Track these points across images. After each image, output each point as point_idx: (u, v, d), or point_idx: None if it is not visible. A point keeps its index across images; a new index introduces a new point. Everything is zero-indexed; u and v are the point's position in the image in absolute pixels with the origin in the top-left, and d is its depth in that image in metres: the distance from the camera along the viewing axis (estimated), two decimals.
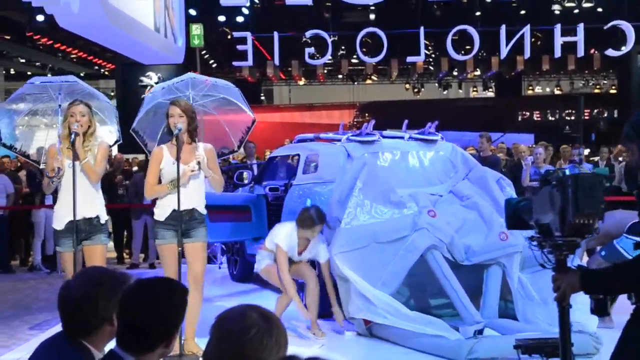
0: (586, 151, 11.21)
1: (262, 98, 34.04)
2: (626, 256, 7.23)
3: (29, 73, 25.32)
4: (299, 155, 8.87)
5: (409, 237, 6.61)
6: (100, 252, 6.07)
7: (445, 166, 7.96)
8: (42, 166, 6.59)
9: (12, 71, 26.38)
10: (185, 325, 5.81)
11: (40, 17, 17.31)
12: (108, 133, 6.61)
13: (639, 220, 7.27)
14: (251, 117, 6.94)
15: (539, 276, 6.62)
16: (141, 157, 13.32)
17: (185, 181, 5.89)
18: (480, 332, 6.13)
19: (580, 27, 15.31)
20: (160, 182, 6.06)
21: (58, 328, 2.83)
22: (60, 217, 6.04)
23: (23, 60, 24.30)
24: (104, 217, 6.18)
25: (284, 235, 6.88)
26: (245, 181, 9.75)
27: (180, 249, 5.92)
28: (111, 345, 2.65)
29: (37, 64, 24.49)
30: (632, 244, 7.22)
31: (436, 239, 6.58)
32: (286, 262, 6.81)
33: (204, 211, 6.10)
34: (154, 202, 6.21)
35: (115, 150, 12.65)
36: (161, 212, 6.03)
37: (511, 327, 6.43)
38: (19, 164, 13.52)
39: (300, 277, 7.07)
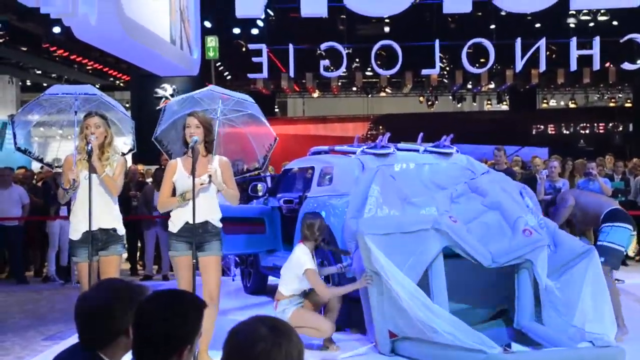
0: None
1: (276, 110, 34.12)
2: (621, 249, 7.31)
3: (44, 84, 25.50)
4: (313, 167, 8.87)
5: (430, 232, 6.48)
6: (115, 262, 6.09)
7: (463, 172, 7.93)
8: (54, 170, 6.61)
9: (28, 82, 26.53)
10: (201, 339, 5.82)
11: (56, 29, 17.44)
12: (122, 144, 6.64)
13: (615, 207, 7.53)
14: (273, 135, 6.97)
15: (563, 282, 6.60)
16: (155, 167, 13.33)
17: (196, 194, 5.88)
18: (508, 345, 6.04)
19: (596, 41, 15.25)
20: (174, 194, 6.06)
21: (72, 339, 2.83)
22: (77, 228, 6.05)
23: (39, 72, 24.44)
24: (122, 230, 6.19)
25: (304, 258, 6.80)
26: (260, 193, 9.76)
27: (194, 261, 5.91)
28: (127, 357, 2.65)
29: (53, 75, 24.63)
30: (629, 234, 7.33)
31: (455, 242, 6.49)
32: (319, 277, 6.80)
33: (218, 224, 6.07)
34: (168, 214, 6.21)
35: (129, 162, 12.69)
36: (174, 224, 6.03)
37: (538, 333, 6.38)
38: (34, 176, 13.59)
39: (324, 301, 6.99)
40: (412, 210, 6.95)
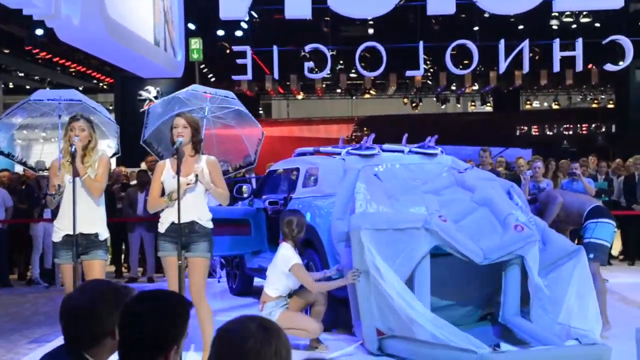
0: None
1: (261, 112, 34.08)
2: (607, 245, 7.46)
3: (27, 87, 25.38)
4: (298, 168, 8.87)
5: (420, 231, 6.47)
6: (98, 266, 6.03)
7: (448, 172, 7.96)
8: (38, 173, 6.58)
9: (10, 85, 26.39)
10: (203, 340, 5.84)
11: (39, 31, 17.34)
12: (106, 147, 6.61)
13: (597, 204, 7.68)
14: (260, 130, 6.99)
15: (550, 280, 6.64)
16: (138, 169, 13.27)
17: (182, 194, 5.87)
18: (497, 345, 6.05)
19: (579, 42, 15.32)
20: (164, 195, 6.05)
21: (57, 342, 2.81)
22: (59, 231, 6.03)
23: (22, 74, 24.33)
24: (104, 235, 6.10)
25: (288, 254, 6.82)
26: (245, 195, 9.75)
27: (180, 262, 5.90)
28: (112, 358, 2.64)
29: (36, 77, 24.54)
30: (613, 230, 7.48)
31: (445, 241, 6.50)
32: (306, 272, 6.82)
33: (207, 224, 6.04)
34: (154, 215, 6.20)
35: (113, 164, 12.63)
36: (162, 224, 6.04)
37: (523, 328, 6.41)
38: (20, 179, 13.49)
39: (309, 301, 7.00)
40: (400, 208, 6.94)
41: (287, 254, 6.77)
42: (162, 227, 6.05)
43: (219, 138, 6.86)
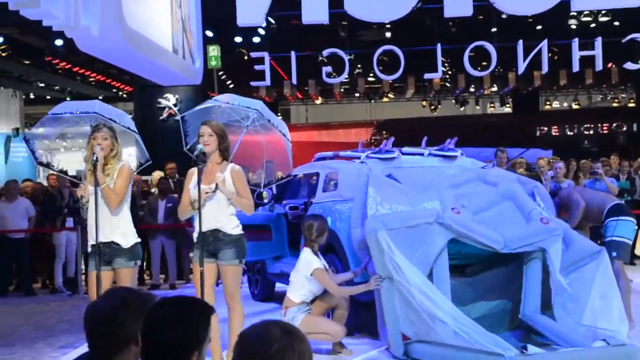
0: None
1: (280, 118, 34.14)
2: (629, 243, 7.42)
3: (48, 97, 25.59)
4: (318, 173, 8.88)
5: (434, 226, 6.44)
6: (125, 274, 6.00)
7: (468, 172, 7.90)
8: (81, 183, 6.63)
9: (31, 95, 26.61)
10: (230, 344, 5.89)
11: (59, 42, 17.49)
12: (128, 156, 6.65)
13: (618, 202, 7.66)
14: (289, 143, 7.11)
15: (572, 280, 6.57)
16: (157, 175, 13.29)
17: (202, 202, 5.91)
18: (524, 348, 6.00)
19: (598, 41, 15.20)
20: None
21: (81, 350, 2.84)
22: (89, 240, 6.08)
23: (42, 85, 24.53)
24: (128, 242, 6.03)
25: (310, 259, 6.81)
26: (265, 200, 9.76)
27: (201, 268, 5.93)
28: None
29: (56, 88, 24.71)
30: (633, 228, 7.45)
31: (460, 233, 6.44)
32: (329, 277, 6.75)
33: (232, 232, 6.09)
34: (179, 222, 6.32)
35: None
36: (195, 232, 6.15)
37: (548, 327, 6.35)
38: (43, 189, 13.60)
39: (332, 305, 7.00)
40: (415, 204, 6.89)
41: (308, 259, 6.77)
42: (194, 236, 6.16)
43: (268, 147, 6.96)
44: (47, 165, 6.68)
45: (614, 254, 7.18)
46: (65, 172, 6.92)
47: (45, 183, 14.51)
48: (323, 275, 6.70)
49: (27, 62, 21.00)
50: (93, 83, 23.95)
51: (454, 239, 6.56)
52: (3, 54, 19.06)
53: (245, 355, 2.15)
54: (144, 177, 13.60)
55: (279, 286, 10.11)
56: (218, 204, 6.03)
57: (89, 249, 6.07)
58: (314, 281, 6.75)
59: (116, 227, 6.01)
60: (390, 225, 6.46)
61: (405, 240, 6.41)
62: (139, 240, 6.11)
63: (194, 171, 6.11)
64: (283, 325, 2.23)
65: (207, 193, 5.96)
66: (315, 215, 7.36)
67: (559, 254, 6.55)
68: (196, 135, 6.44)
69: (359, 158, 8.21)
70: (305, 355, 2.16)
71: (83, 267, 10.83)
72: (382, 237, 6.33)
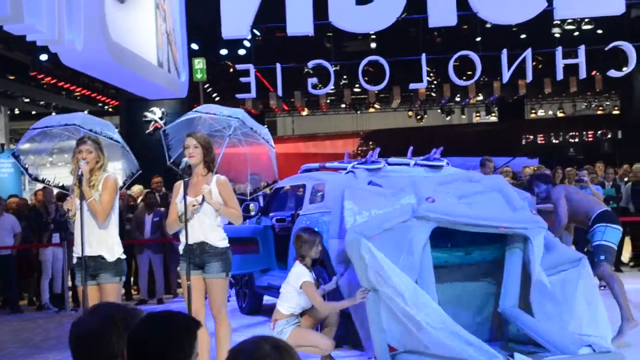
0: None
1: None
2: (615, 247, 7.54)
3: (33, 112, 25.48)
4: (305, 185, 8.87)
5: (412, 221, 6.32)
6: (109, 289, 5.98)
7: (455, 175, 7.83)
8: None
9: (16, 111, 26.51)
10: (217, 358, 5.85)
11: (43, 57, 17.44)
12: (116, 170, 6.58)
13: (606, 209, 7.76)
14: (273, 149, 6.97)
15: (554, 282, 6.56)
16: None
17: (189, 215, 5.89)
18: (511, 356, 5.93)
19: (582, 49, 15.32)
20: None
21: None
22: (74, 254, 6.06)
23: (27, 100, 24.42)
24: (113, 256, 5.98)
25: (300, 272, 6.65)
26: (252, 213, 9.75)
27: (189, 282, 5.90)
28: None
29: (42, 103, 24.61)
30: (619, 235, 7.57)
31: (441, 220, 6.33)
32: (317, 292, 6.57)
33: (219, 244, 6.05)
34: (171, 236, 6.27)
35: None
36: (180, 245, 6.12)
37: (533, 327, 6.32)
38: (28, 205, 13.53)
39: (321, 318, 6.86)
40: (390, 203, 6.77)
41: (298, 271, 6.74)
42: (180, 248, 6.13)
43: (251, 156, 6.89)
44: (43, 181, 6.61)
45: (602, 257, 7.32)
46: (63, 187, 6.83)
47: (30, 199, 14.43)
48: (311, 290, 6.66)
49: (11, 77, 20.91)
50: (78, 97, 23.86)
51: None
52: None
53: None
54: (129, 192, 13.55)
55: (266, 299, 10.08)
56: (205, 216, 6.01)
57: (74, 262, 6.04)
58: (304, 294, 6.72)
59: (102, 241, 5.95)
60: (369, 233, 6.33)
61: (387, 244, 6.28)
62: (124, 256, 6.05)
63: (180, 184, 6.09)
64: (273, 340, 2.22)
65: (194, 206, 5.93)
66: (307, 228, 7.30)
67: (542, 248, 6.50)
68: (180, 147, 6.42)
69: (345, 169, 8.20)
70: None
71: (70, 282, 10.75)
72: (364, 247, 6.24)
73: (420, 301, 6.06)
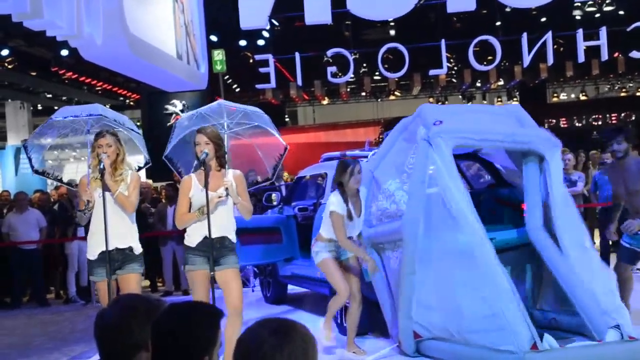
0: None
1: (287, 120, 34.15)
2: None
3: (55, 107, 25.65)
4: (326, 173, 8.86)
5: (424, 143, 6.34)
6: (134, 280, 6.07)
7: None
8: (75, 188, 6.66)
9: (39, 106, 26.71)
10: (226, 351, 5.81)
11: (64, 52, 17.56)
12: (135, 162, 6.65)
13: None
14: (283, 145, 6.97)
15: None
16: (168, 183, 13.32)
17: (213, 208, 5.87)
18: (541, 336, 5.76)
19: (603, 31, 15.18)
20: (190, 210, 6.04)
21: (97, 358, 2.83)
22: (93, 248, 6.06)
23: (49, 95, 24.60)
24: (138, 249, 6.13)
25: (332, 201, 6.69)
26: (274, 202, 9.76)
27: (212, 273, 5.89)
28: None
29: (64, 98, 24.78)
30: None
31: (456, 140, 6.32)
32: (343, 224, 6.61)
33: (234, 238, 6.04)
34: (183, 229, 6.20)
35: (143, 178, 12.74)
36: (192, 239, 5.98)
37: (566, 277, 6.21)
38: (50, 199, 13.65)
39: (351, 284, 6.83)
40: (403, 157, 6.81)
41: (331, 200, 6.73)
42: (192, 242, 5.97)
43: (235, 152, 6.83)
44: (43, 174, 6.70)
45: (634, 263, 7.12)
46: (61, 180, 6.95)
47: (52, 194, 14.53)
48: (336, 221, 6.63)
49: (33, 73, 21.06)
50: (100, 92, 24.01)
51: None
52: (10, 66, 19.12)
53: (241, 358, 2.15)
54: (158, 184, 13.66)
55: (291, 288, 10.12)
56: (226, 210, 6.00)
57: (95, 257, 6.05)
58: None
59: (132, 232, 6.09)
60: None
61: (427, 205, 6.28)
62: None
63: (190, 178, 6.06)
64: (275, 325, 2.21)
65: (220, 197, 5.90)
66: (349, 157, 7.28)
67: (559, 166, 6.44)
68: (174, 143, 6.53)
69: (366, 157, 8.19)
70: (296, 354, 2.14)
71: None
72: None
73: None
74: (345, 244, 6.70)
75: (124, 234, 6.04)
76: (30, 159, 6.52)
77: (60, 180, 7.02)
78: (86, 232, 11.26)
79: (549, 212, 6.47)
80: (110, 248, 5.90)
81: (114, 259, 5.96)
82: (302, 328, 2.23)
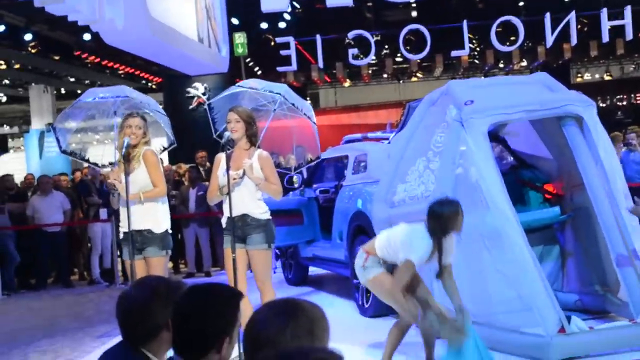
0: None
1: (308, 102, 34.15)
2: None
3: (78, 91, 25.81)
4: (347, 156, 8.88)
5: (456, 125, 6.28)
6: (155, 262, 6.12)
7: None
8: (102, 169, 6.76)
9: (62, 90, 26.88)
10: None
11: (87, 36, 17.62)
12: (160, 145, 6.71)
13: None
14: (315, 126, 6.88)
15: None
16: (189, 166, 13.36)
17: (232, 188, 5.93)
18: (568, 318, 5.72)
19: (628, 10, 15.00)
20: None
21: (120, 338, 2.88)
22: (121, 228, 6.22)
23: (72, 79, 24.74)
24: (161, 229, 6.17)
25: (417, 246, 5.38)
26: (296, 185, 9.79)
27: (234, 254, 5.95)
28: (172, 352, 2.68)
29: (87, 82, 24.90)
30: None
31: (492, 120, 6.29)
32: (408, 279, 5.44)
33: (261, 217, 6.08)
34: (211, 210, 6.29)
35: (165, 161, 12.80)
36: (223, 219, 6.17)
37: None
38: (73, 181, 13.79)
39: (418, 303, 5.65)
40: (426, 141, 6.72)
41: (417, 245, 5.41)
42: (222, 221, 6.16)
43: (295, 129, 6.88)
44: (71, 154, 6.79)
45: None
46: (88, 160, 7.03)
47: (75, 176, 14.66)
48: (406, 270, 5.40)
49: (56, 57, 21.17)
50: (122, 75, 24.09)
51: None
52: (33, 51, 19.23)
53: (247, 342, 2.16)
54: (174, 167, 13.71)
55: (312, 270, 10.16)
56: (246, 190, 6.05)
57: (121, 236, 6.20)
58: (397, 254, 5.51)
59: (150, 213, 6.12)
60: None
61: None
62: (170, 230, 6.21)
63: (221, 157, 6.12)
64: (280, 306, 2.19)
65: (234, 179, 5.97)
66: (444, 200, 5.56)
67: (597, 123, 6.33)
68: (224, 122, 6.46)
69: (387, 139, 8.19)
70: (299, 334, 2.10)
71: (119, 254, 10.96)
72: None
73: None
74: (396, 298, 5.57)
75: (144, 215, 6.10)
76: (58, 140, 6.63)
77: (88, 161, 7.10)
78: (108, 214, 11.40)
79: (601, 171, 6.32)
80: (130, 229, 5.98)
81: (135, 240, 6.03)
82: (311, 307, 2.17)
